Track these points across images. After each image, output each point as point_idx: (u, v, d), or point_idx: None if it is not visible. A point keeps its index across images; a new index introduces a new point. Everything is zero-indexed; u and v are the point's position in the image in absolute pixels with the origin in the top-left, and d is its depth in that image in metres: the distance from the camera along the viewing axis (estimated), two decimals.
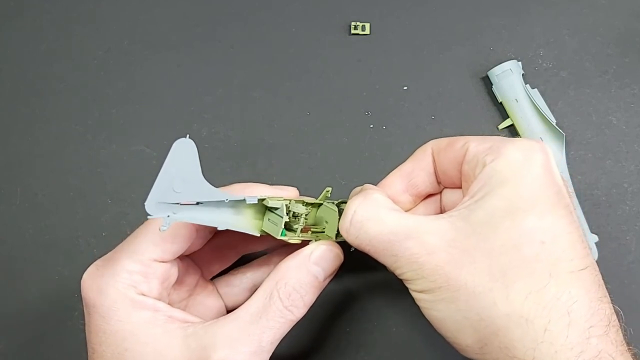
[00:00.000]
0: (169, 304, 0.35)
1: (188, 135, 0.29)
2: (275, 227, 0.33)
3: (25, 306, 0.44)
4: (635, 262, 0.43)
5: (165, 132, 0.46)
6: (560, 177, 0.31)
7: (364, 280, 0.43)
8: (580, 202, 0.43)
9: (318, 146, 0.45)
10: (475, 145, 0.31)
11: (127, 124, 0.46)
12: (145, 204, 0.28)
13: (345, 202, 0.35)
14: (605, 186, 0.44)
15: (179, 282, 0.36)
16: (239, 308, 0.31)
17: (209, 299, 0.38)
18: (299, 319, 0.32)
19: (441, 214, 0.30)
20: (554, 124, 0.43)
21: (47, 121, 0.47)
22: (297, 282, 0.32)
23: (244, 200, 0.32)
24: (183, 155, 0.29)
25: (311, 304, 0.33)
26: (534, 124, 0.43)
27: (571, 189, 0.43)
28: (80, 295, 0.32)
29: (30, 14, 0.49)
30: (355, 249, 0.35)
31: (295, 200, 0.35)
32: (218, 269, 0.40)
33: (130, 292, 0.31)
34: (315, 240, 0.34)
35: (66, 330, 0.43)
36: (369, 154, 0.45)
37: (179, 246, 0.33)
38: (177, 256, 0.33)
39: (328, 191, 0.35)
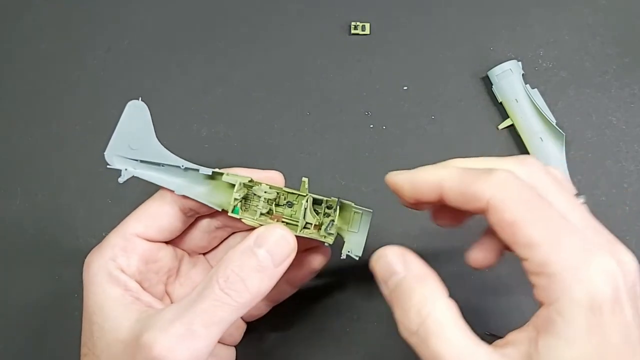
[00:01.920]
0: (172, 298, 0.35)
1: (140, 98, 0.32)
2: (230, 204, 0.33)
3: (25, 306, 0.44)
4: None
5: (165, 132, 0.46)
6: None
7: (363, 281, 0.43)
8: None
9: (318, 146, 0.45)
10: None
11: None
12: (104, 153, 0.33)
13: (340, 204, 0.34)
14: (605, 186, 0.44)
15: (183, 277, 0.36)
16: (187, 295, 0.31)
17: None
18: (244, 305, 0.30)
19: (506, 352, 0.27)
20: (554, 124, 0.43)
21: (47, 121, 0.47)
22: (237, 266, 0.30)
23: (199, 170, 0.33)
24: (136, 116, 0.33)
25: (261, 292, 0.30)
26: (534, 124, 0.43)
27: (575, 190, 0.43)
28: (81, 295, 0.32)
29: (30, 14, 0.49)
30: (347, 256, 0.34)
31: (268, 185, 0.34)
32: None
33: (109, 265, 0.32)
34: None
35: (66, 330, 0.43)
36: (369, 154, 0.45)
37: (161, 223, 0.33)
38: (164, 238, 0.34)
39: (304, 182, 0.34)
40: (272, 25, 0.48)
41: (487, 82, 0.45)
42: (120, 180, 0.33)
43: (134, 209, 0.47)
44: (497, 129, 0.45)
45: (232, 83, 0.47)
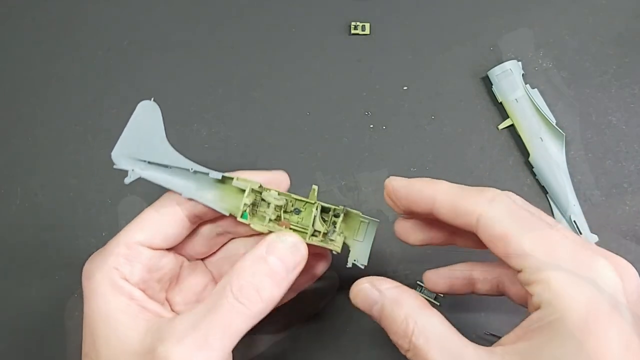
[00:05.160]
0: (172, 304, 0.35)
1: (153, 99, 0.32)
2: (239, 209, 0.33)
3: (25, 306, 0.44)
4: (635, 262, 0.42)
5: (166, 132, 0.46)
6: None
7: None
8: (580, 202, 0.43)
9: (318, 146, 0.45)
10: (533, 265, 0.26)
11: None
12: (111, 153, 0.32)
13: (345, 211, 0.34)
14: (605, 186, 0.44)
15: (182, 283, 0.35)
16: (199, 303, 0.30)
17: None
18: (258, 314, 0.30)
19: (495, 350, 0.27)
20: (554, 124, 0.43)
21: (47, 121, 0.47)
22: (250, 274, 0.30)
23: (208, 174, 0.33)
24: (147, 116, 0.33)
25: (274, 299, 0.31)
26: (534, 124, 0.43)
27: (572, 188, 0.43)
28: (80, 294, 0.32)
29: (30, 14, 0.49)
30: (353, 264, 0.34)
31: (277, 191, 0.34)
32: None
33: (113, 274, 0.31)
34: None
35: (66, 331, 0.43)
36: (369, 154, 0.45)
37: (166, 231, 0.33)
38: (168, 245, 0.33)
39: (314, 190, 0.34)
40: (272, 25, 0.48)
41: (487, 82, 0.45)
42: (127, 181, 0.32)
43: (134, 209, 0.47)
44: (497, 129, 0.45)
45: (232, 83, 0.47)
